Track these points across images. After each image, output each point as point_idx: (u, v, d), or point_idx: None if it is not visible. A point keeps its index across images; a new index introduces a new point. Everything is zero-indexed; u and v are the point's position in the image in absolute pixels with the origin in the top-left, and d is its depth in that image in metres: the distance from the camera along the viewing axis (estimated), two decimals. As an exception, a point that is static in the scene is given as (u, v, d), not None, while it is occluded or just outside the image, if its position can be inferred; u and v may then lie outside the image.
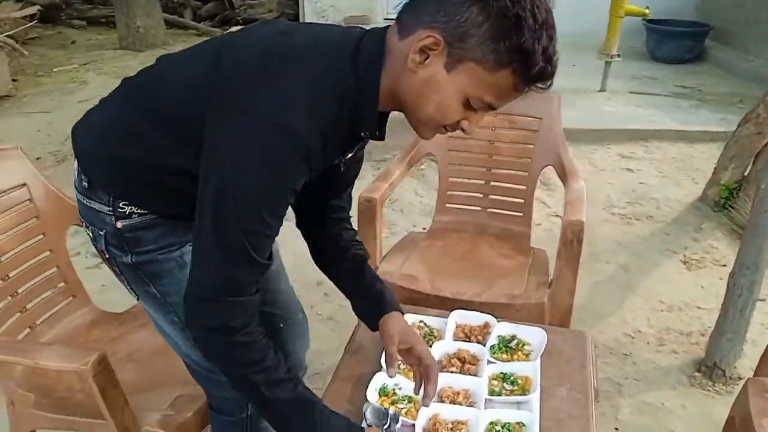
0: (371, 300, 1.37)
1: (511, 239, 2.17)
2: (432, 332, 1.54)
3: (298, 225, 1.39)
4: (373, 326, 1.36)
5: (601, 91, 4.86)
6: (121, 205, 1.15)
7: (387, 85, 1.06)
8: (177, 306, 1.19)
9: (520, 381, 1.37)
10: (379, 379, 1.36)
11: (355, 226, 1.44)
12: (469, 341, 1.50)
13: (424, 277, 1.92)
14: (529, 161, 2.21)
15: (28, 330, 1.58)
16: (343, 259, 1.38)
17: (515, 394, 1.34)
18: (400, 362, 1.34)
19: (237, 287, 1.05)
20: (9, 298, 1.54)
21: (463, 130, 1.08)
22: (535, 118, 2.19)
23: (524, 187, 2.22)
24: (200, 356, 1.23)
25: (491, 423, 1.26)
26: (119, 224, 1.16)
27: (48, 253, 1.65)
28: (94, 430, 1.35)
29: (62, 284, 1.68)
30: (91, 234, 1.21)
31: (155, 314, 1.26)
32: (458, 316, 1.57)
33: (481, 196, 2.27)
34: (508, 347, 1.48)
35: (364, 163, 1.35)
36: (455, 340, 1.51)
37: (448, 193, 2.29)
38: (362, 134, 1.14)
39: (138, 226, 1.17)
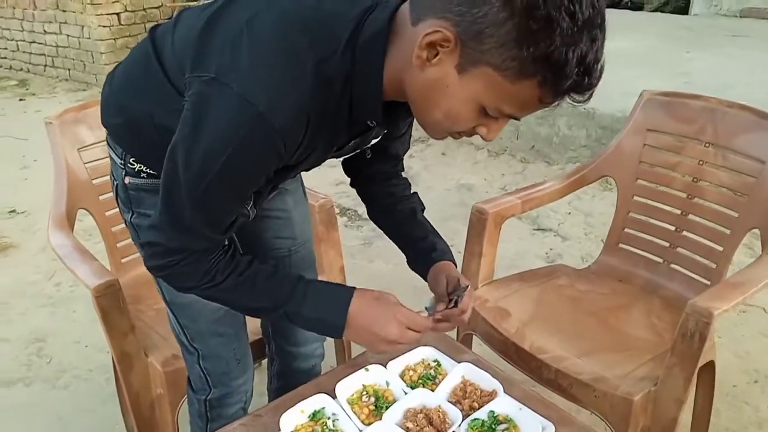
0: (421, 251, 1.27)
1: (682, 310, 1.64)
2: (433, 377, 1.30)
3: (351, 184, 1.34)
4: (425, 279, 1.27)
5: None
6: (131, 161, 1.15)
7: (393, 74, 0.91)
8: (161, 282, 1.23)
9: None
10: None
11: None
12: (458, 404, 1.23)
13: (520, 318, 1.60)
14: (736, 217, 1.62)
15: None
16: (393, 212, 1.31)
17: None
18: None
19: (185, 252, 1.00)
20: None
21: (481, 136, 0.92)
22: (757, 160, 1.58)
23: (720, 249, 1.64)
24: (181, 331, 1.29)
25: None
26: (127, 180, 1.17)
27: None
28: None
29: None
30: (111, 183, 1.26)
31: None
32: (466, 370, 1.29)
33: (668, 245, 1.76)
34: (492, 430, 1.16)
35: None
36: (451, 397, 1.25)
37: (625, 230, 1.84)
38: (369, 123, 1.01)
39: (142, 187, 1.17)
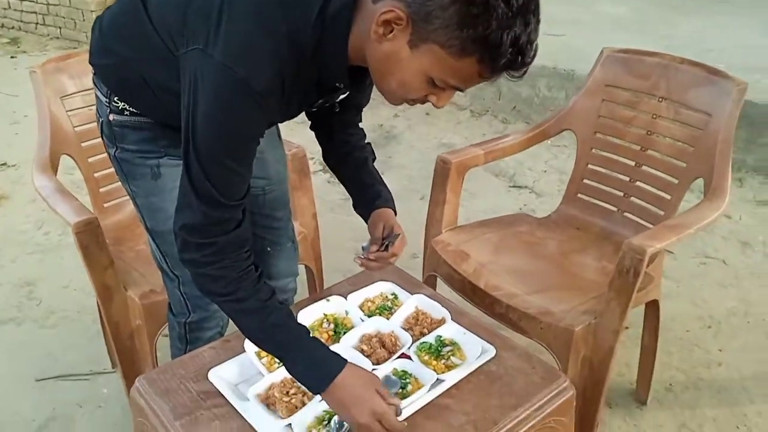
0: (366, 197, 1.38)
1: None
2: (390, 308, 1.41)
3: (311, 127, 1.43)
4: (366, 222, 1.37)
5: None
6: (115, 99, 1.24)
7: (357, 44, 1.02)
8: (143, 208, 1.33)
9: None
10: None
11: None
12: (410, 330, 1.34)
13: (478, 260, 1.71)
14: (684, 167, 1.71)
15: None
16: (346, 160, 1.41)
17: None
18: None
19: (208, 228, 1.07)
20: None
21: (432, 104, 1.03)
22: (704, 113, 1.67)
23: (669, 198, 1.74)
24: (162, 258, 1.38)
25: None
26: (111, 117, 1.25)
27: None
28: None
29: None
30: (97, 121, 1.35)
31: (134, 208, 1.39)
32: (419, 301, 1.40)
33: (622, 195, 1.86)
34: (438, 351, 1.28)
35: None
36: (404, 324, 1.36)
37: (584, 181, 1.93)
38: (337, 84, 1.14)
39: (126, 124, 1.25)
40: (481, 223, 1.90)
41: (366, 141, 1.43)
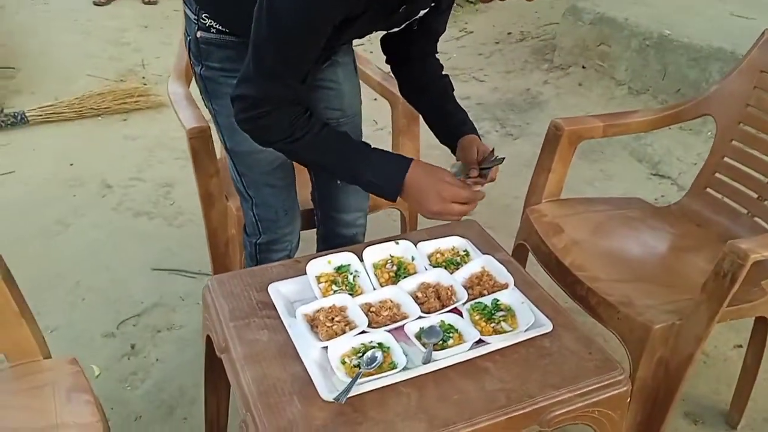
0: (453, 124, 1.38)
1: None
2: (457, 264, 1.39)
3: (387, 61, 1.44)
4: (453, 150, 1.38)
5: None
6: (203, 16, 1.28)
7: None
8: (223, 128, 1.40)
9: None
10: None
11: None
12: (470, 289, 1.31)
13: (572, 237, 1.61)
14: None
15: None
16: (427, 90, 1.41)
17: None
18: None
19: (271, 102, 1.12)
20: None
21: None
22: None
23: (810, 209, 1.52)
24: (238, 178, 1.46)
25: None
26: (198, 33, 1.30)
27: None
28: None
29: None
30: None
31: (214, 129, 1.46)
32: (487, 262, 1.36)
33: (756, 197, 1.66)
34: (490, 314, 1.24)
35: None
36: (466, 282, 1.34)
37: (716, 175, 1.74)
38: None
39: (212, 41, 1.30)
40: (587, 200, 1.79)
41: (444, 72, 1.40)
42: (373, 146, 1.22)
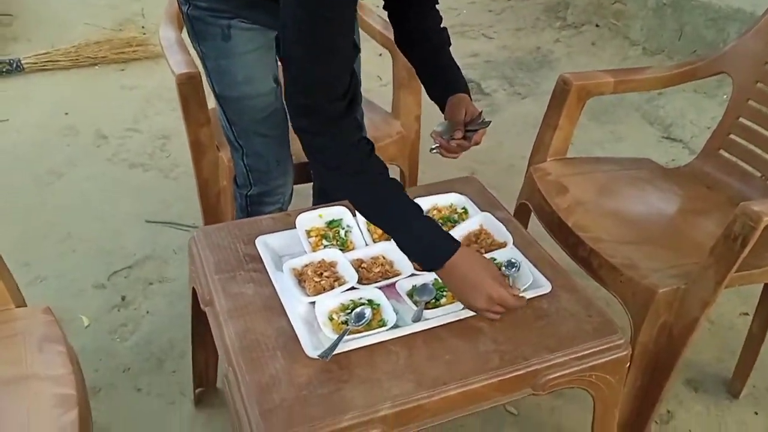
0: (445, 80, 1.31)
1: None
2: (455, 221, 1.33)
3: (384, 7, 1.35)
4: (442, 107, 1.31)
5: None
6: None
7: None
8: (212, 72, 1.33)
9: None
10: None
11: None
12: (468, 246, 1.25)
13: (576, 197, 1.54)
14: None
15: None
16: (422, 42, 1.34)
17: None
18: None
19: (323, 88, 1.03)
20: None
21: None
22: None
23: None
24: (228, 127, 1.39)
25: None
26: (186, 8, 1.26)
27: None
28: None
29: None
30: None
31: (203, 73, 1.39)
32: (485, 220, 1.30)
33: (771, 159, 1.58)
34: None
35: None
36: (463, 239, 1.28)
37: (730, 136, 1.66)
38: None
39: (201, 17, 1.25)
40: (594, 159, 1.73)
41: (443, 26, 1.32)
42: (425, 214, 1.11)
